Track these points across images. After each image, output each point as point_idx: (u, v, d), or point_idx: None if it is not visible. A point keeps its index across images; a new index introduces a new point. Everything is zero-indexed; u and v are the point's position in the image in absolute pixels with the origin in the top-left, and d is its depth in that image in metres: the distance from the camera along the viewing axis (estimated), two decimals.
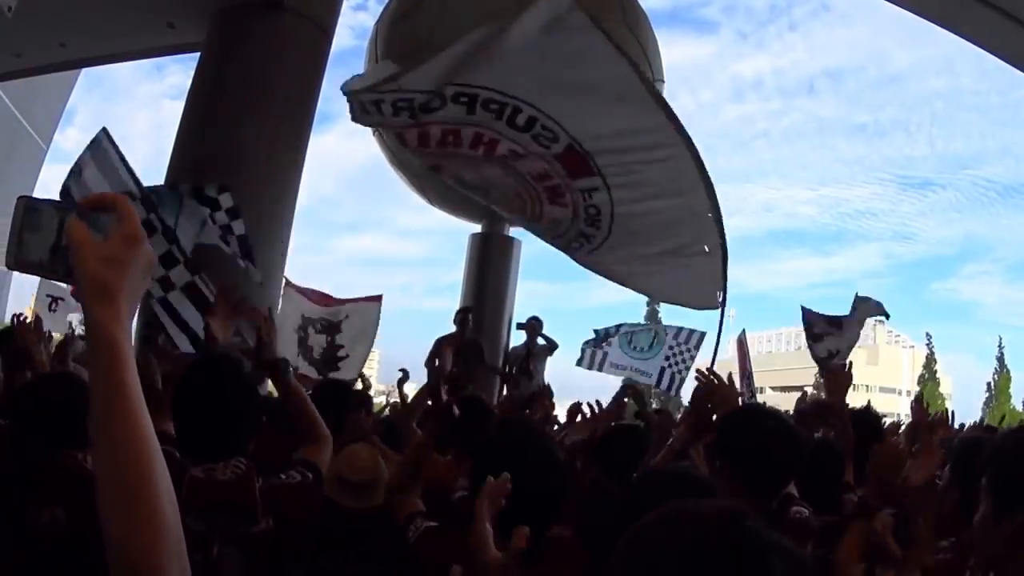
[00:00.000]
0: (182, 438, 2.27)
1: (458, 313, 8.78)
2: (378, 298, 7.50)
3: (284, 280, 7.51)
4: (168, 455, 2.12)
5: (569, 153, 4.99)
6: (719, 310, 5.28)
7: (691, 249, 5.36)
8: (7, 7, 5.85)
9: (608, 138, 4.96)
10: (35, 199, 0.91)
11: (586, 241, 5.53)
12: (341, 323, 7.18)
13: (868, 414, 3.66)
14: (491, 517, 1.74)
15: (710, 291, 5.36)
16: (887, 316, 7.77)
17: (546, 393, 5.57)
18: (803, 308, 7.55)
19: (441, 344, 7.66)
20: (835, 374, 3.47)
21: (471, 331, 8.66)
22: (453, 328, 8.60)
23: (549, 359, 9.32)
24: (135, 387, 0.86)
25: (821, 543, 2.20)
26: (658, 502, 0.88)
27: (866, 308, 7.52)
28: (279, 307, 7.09)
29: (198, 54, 9.22)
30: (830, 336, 7.23)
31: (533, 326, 9.36)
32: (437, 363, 4.14)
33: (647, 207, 5.25)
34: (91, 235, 0.86)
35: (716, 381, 2.79)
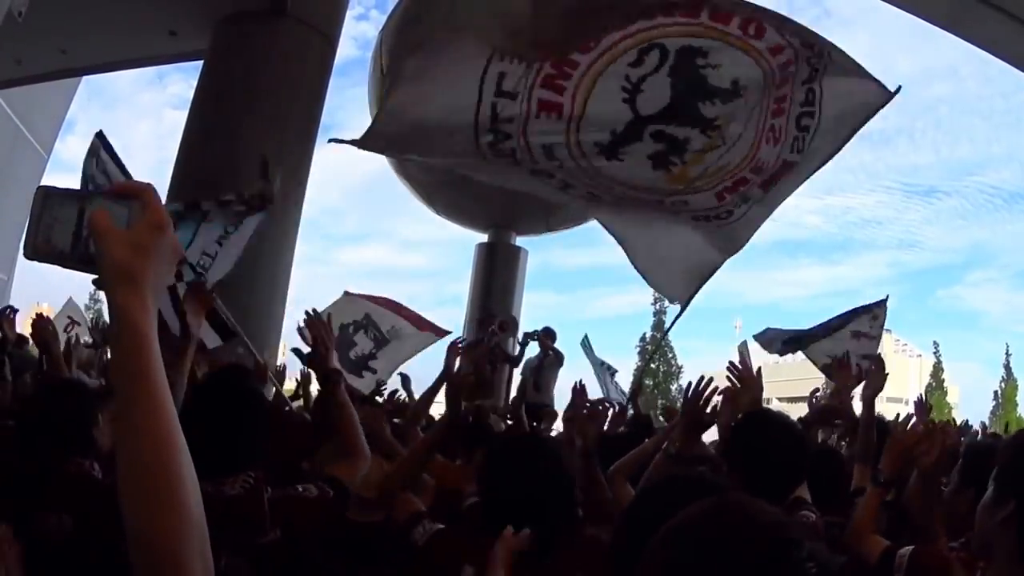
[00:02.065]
0: (195, 454, 2.19)
1: (481, 320, 8.70)
2: (441, 333, 7.02)
3: (344, 292, 7.19)
4: None
5: None
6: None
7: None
8: (18, 12, 5.76)
9: None
10: (55, 188, 0.90)
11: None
12: (388, 336, 6.93)
13: (879, 423, 3.59)
14: (505, 565, 1.76)
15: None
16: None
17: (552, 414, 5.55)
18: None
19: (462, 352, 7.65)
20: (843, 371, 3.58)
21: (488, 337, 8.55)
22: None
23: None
24: (159, 374, 0.84)
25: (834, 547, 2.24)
26: (670, 507, 0.89)
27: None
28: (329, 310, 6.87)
29: (200, 62, 9.16)
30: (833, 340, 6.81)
31: (544, 339, 9.23)
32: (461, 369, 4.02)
33: None
34: (114, 223, 0.86)
35: (744, 373, 2.83)
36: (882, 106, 3.21)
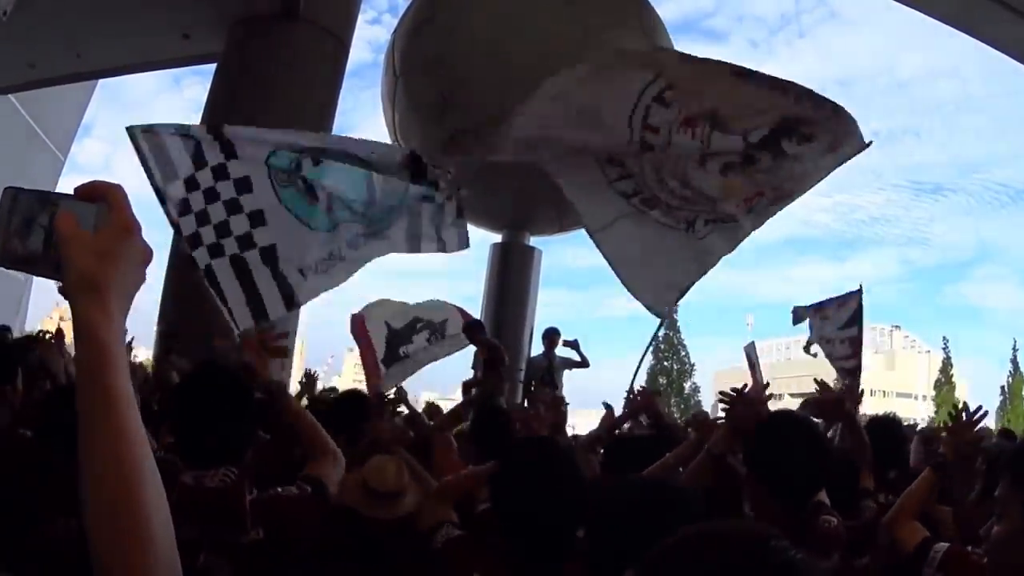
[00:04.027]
0: (181, 445, 2.31)
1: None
2: (468, 316, 7.15)
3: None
4: (171, 465, 2.04)
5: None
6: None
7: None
8: (3, 11, 5.76)
9: None
10: (23, 189, 0.84)
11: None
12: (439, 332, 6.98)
13: (890, 421, 3.69)
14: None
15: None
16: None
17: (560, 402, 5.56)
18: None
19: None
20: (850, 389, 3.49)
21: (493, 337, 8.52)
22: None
23: (574, 370, 9.14)
24: (125, 393, 0.77)
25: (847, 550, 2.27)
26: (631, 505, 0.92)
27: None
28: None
29: (214, 65, 9.19)
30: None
31: (552, 338, 9.21)
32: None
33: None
34: (79, 227, 0.79)
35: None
36: (857, 153, 4.03)
